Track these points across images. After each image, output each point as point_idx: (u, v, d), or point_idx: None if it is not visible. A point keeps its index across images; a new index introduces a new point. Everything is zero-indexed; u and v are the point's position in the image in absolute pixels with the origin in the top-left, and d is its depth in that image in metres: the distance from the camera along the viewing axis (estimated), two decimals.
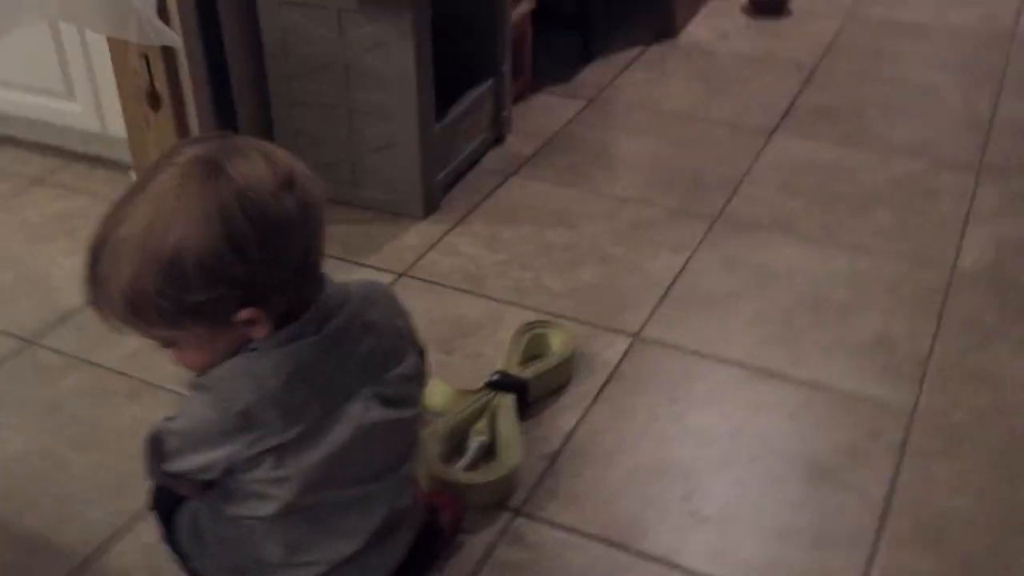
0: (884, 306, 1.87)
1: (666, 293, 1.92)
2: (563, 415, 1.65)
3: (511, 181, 2.29)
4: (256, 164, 0.98)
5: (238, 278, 0.96)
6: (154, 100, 2.05)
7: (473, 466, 1.53)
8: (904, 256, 2.01)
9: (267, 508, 1.07)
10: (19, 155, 2.44)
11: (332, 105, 2.10)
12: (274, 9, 2.05)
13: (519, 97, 2.63)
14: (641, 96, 2.68)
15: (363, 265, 2.03)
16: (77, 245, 2.11)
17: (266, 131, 2.20)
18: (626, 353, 1.77)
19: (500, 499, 1.49)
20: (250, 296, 0.98)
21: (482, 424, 1.57)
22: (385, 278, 1.98)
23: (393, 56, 1.99)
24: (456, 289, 1.95)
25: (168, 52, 1.98)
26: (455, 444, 1.57)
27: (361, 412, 1.08)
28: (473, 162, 2.34)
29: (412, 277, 1.99)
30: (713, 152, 2.40)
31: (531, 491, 1.51)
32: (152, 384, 1.68)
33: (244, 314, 0.99)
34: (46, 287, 1.98)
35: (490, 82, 2.34)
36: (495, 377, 1.64)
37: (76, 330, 1.84)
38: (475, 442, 1.56)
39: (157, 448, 1.07)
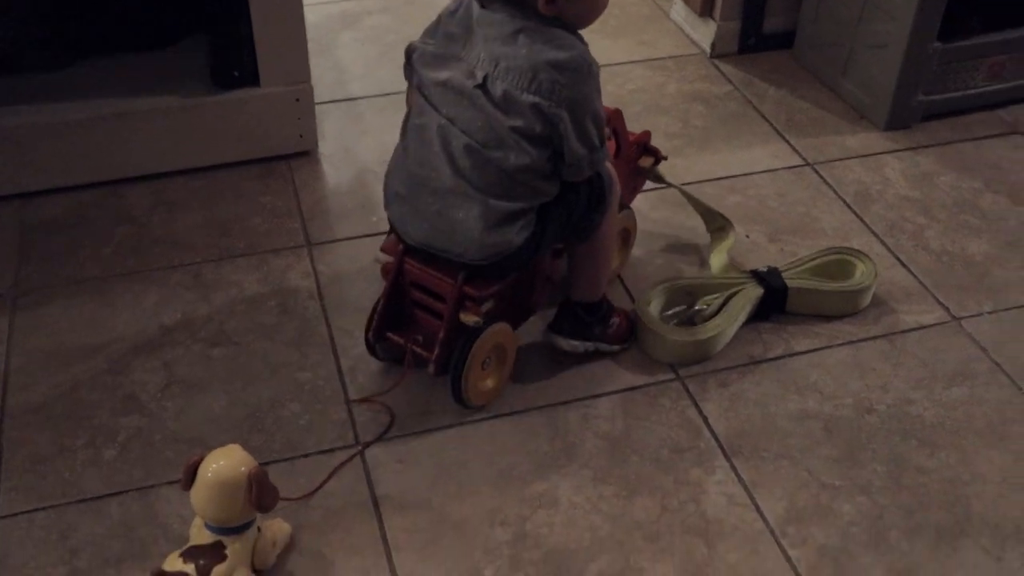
0: None
1: None
2: (776, 343, 1.60)
3: (1010, 138, 2.07)
4: None
5: None
6: None
7: (679, 322, 1.60)
8: None
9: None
10: None
11: None
12: None
13: None
14: None
15: (783, 138, 2.05)
16: None
17: None
18: (928, 327, 1.63)
19: (666, 360, 1.56)
20: None
21: (715, 298, 1.60)
22: (794, 160, 1.99)
23: None
24: (839, 197, 1.89)
25: None
26: (687, 302, 1.63)
27: (464, 75, 1.31)
28: (989, 105, 2.14)
29: (815, 170, 1.97)
30: None
31: (682, 378, 1.54)
32: None
33: None
34: None
35: None
36: (762, 269, 1.64)
37: None
38: (697, 307, 1.60)
39: None
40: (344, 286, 1.67)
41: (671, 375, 1.54)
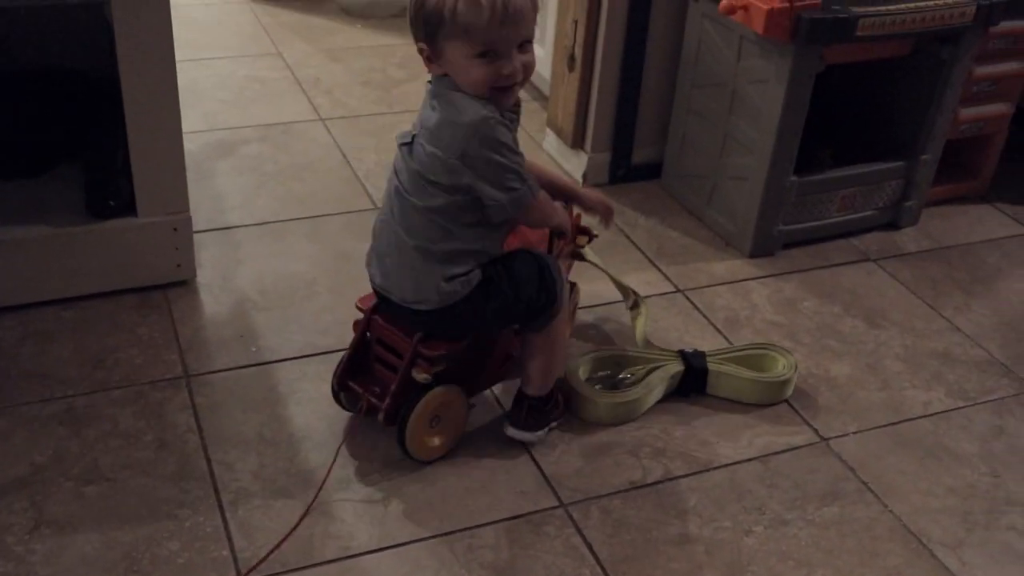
0: None
1: (892, 425, 1.77)
2: (655, 468, 1.64)
3: (863, 265, 2.20)
4: None
5: None
6: (571, 62, 2.30)
7: (603, 387, 1.73)
8: None
9: None
10: None
11: (715, 123, 2.19)
12: (697, 20, 2.18)
13: (960, 199, 2.47)
14: None
15: (655, 266, 2.12)
16: None
17: (661, 125, 2.35)
18: (798, 448, 1.69)
19: (593, 421, 1.70)
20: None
21: (639, 368, 1.73)
22: (666, 286, 2.07)
23: (768, 95, 2.03)
24: (710, 323, 1.97)
25: (593, 25, 2.21)
26: (613, 370, 1.77)
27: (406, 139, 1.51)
28: (843, 233, 2.27)
29: (686, 296, 2.04)
30: None
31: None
32: None
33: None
34: None
35: (899, 165, 2.24)
36: (689, 350, 1.76)
37: None
38: (622, 374, 1.74)
39: None
40: (224, 418, 1.65)
41: (555, 502, 1.55)
